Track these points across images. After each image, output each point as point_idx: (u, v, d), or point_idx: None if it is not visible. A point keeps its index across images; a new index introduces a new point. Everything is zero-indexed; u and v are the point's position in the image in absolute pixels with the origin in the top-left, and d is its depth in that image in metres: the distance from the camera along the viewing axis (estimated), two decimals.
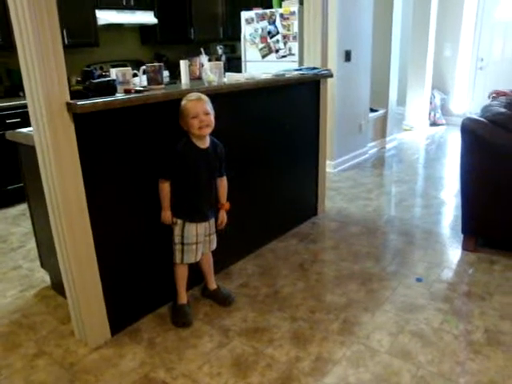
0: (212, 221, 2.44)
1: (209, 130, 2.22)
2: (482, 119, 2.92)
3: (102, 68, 5.13)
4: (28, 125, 2.40)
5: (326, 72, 3.44)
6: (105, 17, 4.98)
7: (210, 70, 2.60)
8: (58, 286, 2.67)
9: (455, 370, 2.00)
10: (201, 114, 2.17)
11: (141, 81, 2.49)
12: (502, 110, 2.99)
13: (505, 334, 2.23)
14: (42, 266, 2.84)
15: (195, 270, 2.51)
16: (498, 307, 2.45)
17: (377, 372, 2.01)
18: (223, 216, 2.50)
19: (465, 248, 3.13)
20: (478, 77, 7.53)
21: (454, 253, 3.14)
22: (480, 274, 2.82)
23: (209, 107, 2.21)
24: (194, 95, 2.22)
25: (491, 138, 2.79)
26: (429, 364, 2.04)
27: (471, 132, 2.87)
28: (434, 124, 7.67)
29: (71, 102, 1.87)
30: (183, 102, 2.20)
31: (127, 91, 2.20)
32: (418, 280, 2.77)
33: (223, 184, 2.46)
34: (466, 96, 7.69)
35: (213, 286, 2.61)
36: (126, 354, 2.19)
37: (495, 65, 7.30)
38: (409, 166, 5.43)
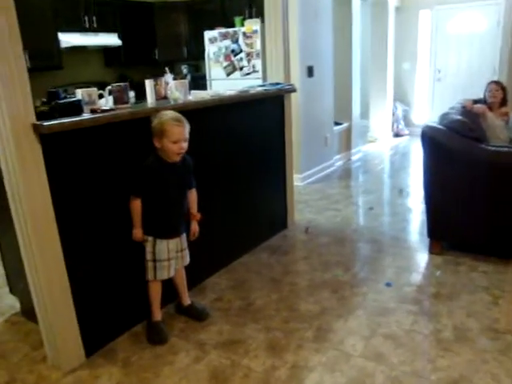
0: (183, 236, 2.45)
1: (181, 156, 2.24)
2: (439, 126, 3.06)
3: (66, 91, 5.08)
4: None
5: (289, 87, 3.54)
6: (67, 39, 4.99)
7: (175, 88, 2.64)
8: (27, 312, 2.61)
9: (427, 367, 2.07)
10: (182, 140, 2.17)
11: (107, 101, 2.51)
12: (458, 117, 3.13)
13: (471, 330, 2.32)
14: (11, 291, 2.78)
15: (169, 288, 2.51)
16: (465, 305, 2.55)
17: (352, 375, 2.05)
18: (195, 226, 2.51)
19: (431, 252, 3.23)
20: (437, 88, 7.83)
21: (421, 257, 3.24)
22: (447, 275, 2.91)
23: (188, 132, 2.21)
24: (176, 117, 2.17)
25: (448, 144, 2.92)
26: (401, 364, 2.10)
27: (430, 138, 3.00)
28: (397, 135, 7.91)
29: (37, 123, 1.88)
30: (168, 123, 2.13)
31: (94, 111, 2.22)
32: (388, 285, 2.84)
33: (193, 196, 2.48)
34: (426, 107, 7.96)
35: (187, 301, 2.61)
36: (102, 375, 2.16)
37: (452, 76, 7.61)
38: (375, 176, 5.58)
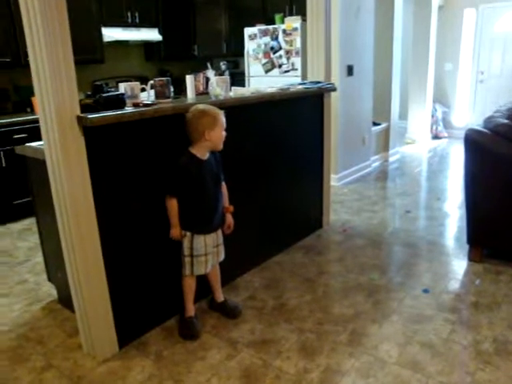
0: (219, 231, 2.45)
1: None
2: (484, 130, 2.95)
3: (107, 84, 5.18)
4: (34, 140, 2.45)
5: (329, 86, 3.48)
6: (110, 34, 5.07)
7: (217, 84, 2.64)
8: (65, 300, 2.68)
9: (465, 380, 2.00)
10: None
11: (149, 95, 2.53)
12: (504, 120, 3.02)
13: None
14: (49, 279, 2.85)
15: (202, 283, 2.51)
16: (506, 317, 2.45)
17: (386, 383, 2.00)
18: (230, 219, 2.50)
19: (471, 259, 3.13)
20: (479, 90, 7.60)
21: (459, 264, 3.14)
22: (487, 284, 2.81)
23: None
24: (217, 109, 2.26)
25: (494, 148, 2.82)
26: (438, 374, 2.04)
27: (474, 142, 2.90)
28: (436, 137, 7.71)
29: (82, 115, 1.90)
30: (218, 113, 2.22)
31: (136, 105, 2.24)
32: (425, 291, 2.77)
33: (224, 189, 2.49)
34: (467, 109, 7.74)
35: (220, 298, 2.61)
36: (134, 367, 2.18)
37: (495, 78, 7.37)
38: (412, 178, 5.46)
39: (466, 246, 3.17)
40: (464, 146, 2.98)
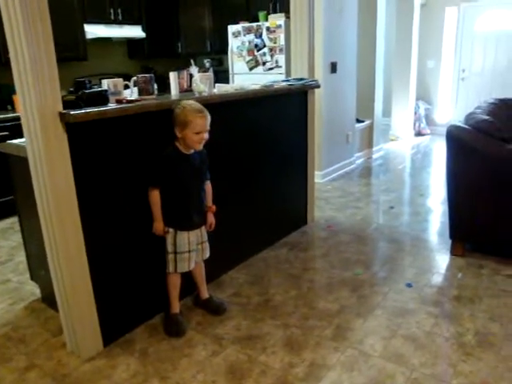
0: (203, 228, 2.45)
1: (202, 145, 2.26)
2: (466, 126, 2.99)
3: (90, 81, 5.12)
4: (16, 138, 2.42)
5: (313, 83, 3.50)
6: (93, 31, 5.01)
7: (200, 81, 2.63)
8: (48, 299, 2.65)
9: (448, 371, 2.03)
10: (203, 131, 2.19)
11: (132, 92, 2.51)
12: (485, 117, 3.06)
13: (495, 335, 2.27)
14: (32, 278, 2.81)
15: (187, 280, 2.51)
16: (488, 309, 2.49)
17: (371, 376, 2.02)
18: (211, 218, 2.49)
19: (453, 253, 3.17)
20: (461, 87, 7.69)
21: (442, 258, 3.18)
22: (469, 278, 2.86)
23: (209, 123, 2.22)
24: (199, 108, 2.18)
25: (475, 144, 2.86)
26: (422, 366, 2.07)
27: (456, 138, 2.94)
28: (419, 134, 7.80)
29: (64, 111, 1.89)
30: (192, 115, 2.14)
31: (119, 101, 2.22)
32: (408, 285, 2.80)
33: (208, 188, 2.48)
34: (449, 106, 7.84)
35: (205, 295, 2.61)
36: (119, 365, 2.17)
37: (477, 75, 7.47)
38: (396, 175, 5.51)
39: (449, 241, 3.21)
40: (446, 142, 3.02)
